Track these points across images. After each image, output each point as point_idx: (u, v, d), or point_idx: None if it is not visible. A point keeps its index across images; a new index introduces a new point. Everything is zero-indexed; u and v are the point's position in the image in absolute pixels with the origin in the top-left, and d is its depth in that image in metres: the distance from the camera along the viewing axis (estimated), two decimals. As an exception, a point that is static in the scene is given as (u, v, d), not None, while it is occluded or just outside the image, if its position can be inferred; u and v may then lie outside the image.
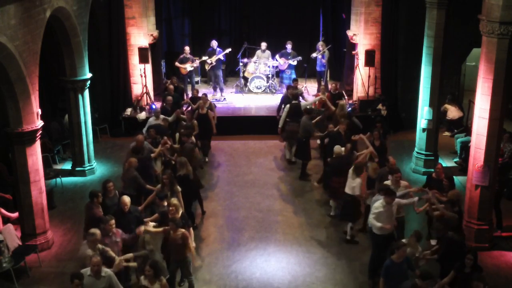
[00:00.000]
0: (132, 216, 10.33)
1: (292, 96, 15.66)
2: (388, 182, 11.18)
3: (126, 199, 10.39)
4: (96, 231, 9.45)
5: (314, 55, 18.95)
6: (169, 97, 15.89)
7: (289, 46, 18.92)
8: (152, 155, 13.02)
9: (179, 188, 11.42)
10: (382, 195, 10.33)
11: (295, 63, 18.85)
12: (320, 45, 18.94)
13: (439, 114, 15.09)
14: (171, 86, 16.50)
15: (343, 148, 12.98)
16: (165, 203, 10.78)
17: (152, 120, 14.73)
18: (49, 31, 12.64)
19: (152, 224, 10.39)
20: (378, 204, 10.27)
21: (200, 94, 16.29)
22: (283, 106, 15.85)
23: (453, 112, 16.97)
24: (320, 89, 17.22)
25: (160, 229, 10.11)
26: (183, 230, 9.85)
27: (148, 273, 8.90)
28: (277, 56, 19.00)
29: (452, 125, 17.06)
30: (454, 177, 13.83)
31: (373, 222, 10.22)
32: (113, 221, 9.74)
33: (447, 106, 16.98)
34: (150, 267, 8.92)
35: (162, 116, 14.77)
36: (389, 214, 10.23)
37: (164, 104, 15.84)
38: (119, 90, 17.90)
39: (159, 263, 9.37)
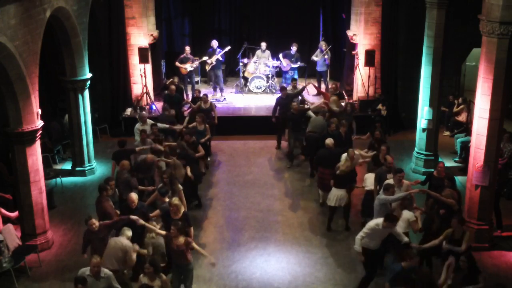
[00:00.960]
0: (139, 213, 10.39)
1: (298, 112, 15.26)
2: (390, 181, 11.18)
3: (134, 196, 10.53)
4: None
5: (315, 58, 18.90)
6: (173, 86, 16.26)
7: (294, 49, 18.87)
8: (137, 149, 13.01)
9: (180, 187, 11.48)
10: (386, 221, 9.91)
11: (296, 66, 18.85)
12: (323, 44, 18.92)
13: (439, 113, 15.09)
14: (173, 87, 16.45)
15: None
16: (166, 199, 10.82)
17: (138, 126, 14.36)
18: (49, 31, 12.64)
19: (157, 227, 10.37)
20: (373, 224, 9.89)
21: (201, 95, 16.34)
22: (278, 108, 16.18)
23: (465, 117, 16.99)
24: (328, 89, 17.25)
25: (163, 232, 10.09)
26: (185, 237, 9.67)
27: (148, 270, 8.91)
28: (280, 56, 18.99)
29: (455, 126, 17.05)
30: (454, 177, 13.89)
31: (366, 242, 9.89)
32: (93, 221, 9.80)
33: (464, 107, 17.01)
34: (150, 264, 8.94)
35: (150, 121, 14.45)
36: (381, 236, 10.00)
37: (166, 105, 15.83)
38: (119, 90, 17.90)
39: (158, 261, 9.39)
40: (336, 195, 12.16)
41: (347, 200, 12.23)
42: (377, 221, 9.90)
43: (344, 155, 12.25)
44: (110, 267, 9.29)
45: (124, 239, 9.70)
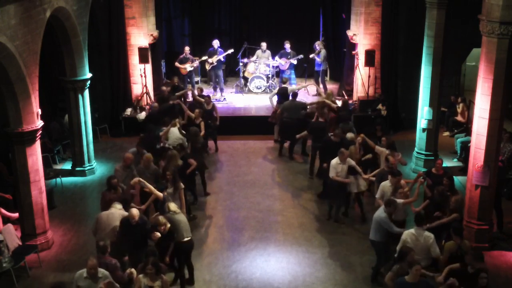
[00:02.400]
0: (139, 229, 10.07)
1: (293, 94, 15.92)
2: (387, 183, 11.18)
3: (135, 211, 10.11)
4: None
5: (312, 55, 18.98)
6: (164, 88, 16.60)
7: (287, 46, 18.96)
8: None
9: (182, 185, 11.52)
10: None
11: (295, 62, 18.88)
12: (317, 44, 18.95)
13: (439, 113, 15.09)
14: (164, 88, 16.67)
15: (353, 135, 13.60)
16: (165, 193, 11.01)
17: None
18: (49, 31, 12.64)
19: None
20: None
21: (203, 93, 16.45)
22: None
23: (464, 116, 16.97)
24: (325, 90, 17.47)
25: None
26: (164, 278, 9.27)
27: (150, 271, 8.89)
28: (277, 57, 19.02)
29: (454, 126, 17.04)
30: (454, 177, 13.85)
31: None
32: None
33: (463, 106, 16.99)
34: (152, 265, 8.91)
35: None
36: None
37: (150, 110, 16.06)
38: (119, 90, 17.90)
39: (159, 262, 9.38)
40: (354, 182, 12.45)
41: (366, 186, 12.54)
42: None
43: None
44: (109, 240, 9.96)
45: (116, 210, 10.38)
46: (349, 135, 13.48)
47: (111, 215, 10.37)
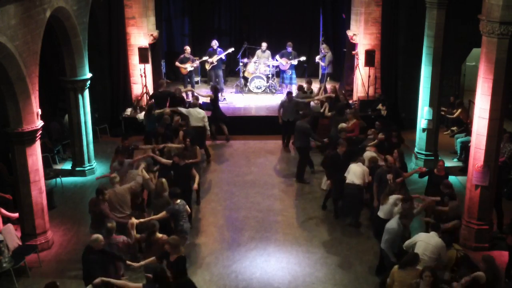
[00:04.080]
0: (101, 257, 9.44)
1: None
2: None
3: (97, 236, 9.48)
4: None
5: (317, 59, 19.00)
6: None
7: (289, 48, 18.93)
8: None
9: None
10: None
11: (296, 62, 18.89)
12: (323, 48, 18.98)
13: (439, 113, 15.10)
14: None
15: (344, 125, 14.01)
16: (178, 201, 10.70)
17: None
18: (49, 31, 12.64)
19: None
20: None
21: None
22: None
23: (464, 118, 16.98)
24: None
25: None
26: None
27: None
28: (277, 57, 19.02)
29: (456, 123, 17.01)
30: (454, 177, 13.85)
31: None
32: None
33: (462, 110, 16.98)
34: None
35: None
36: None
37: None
38: (119, 90, 17.90)
39: None
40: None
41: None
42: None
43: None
44: (120, 214, 10.75)
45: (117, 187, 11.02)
46: (341, 125, 13.86)
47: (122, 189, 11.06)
